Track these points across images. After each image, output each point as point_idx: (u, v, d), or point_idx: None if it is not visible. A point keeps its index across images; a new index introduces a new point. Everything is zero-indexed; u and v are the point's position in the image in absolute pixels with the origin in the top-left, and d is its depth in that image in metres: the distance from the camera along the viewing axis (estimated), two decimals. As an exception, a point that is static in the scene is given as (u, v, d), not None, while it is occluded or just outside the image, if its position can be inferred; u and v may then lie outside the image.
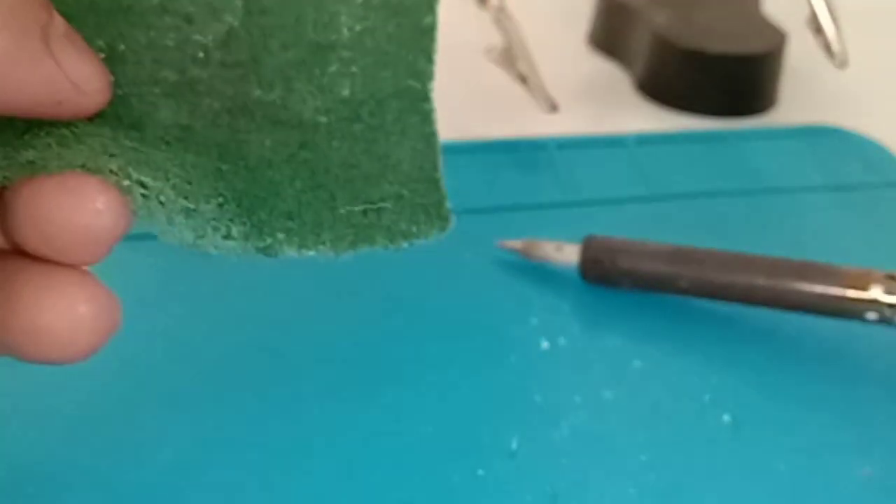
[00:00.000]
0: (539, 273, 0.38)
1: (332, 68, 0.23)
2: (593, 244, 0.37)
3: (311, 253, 0.24)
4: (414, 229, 0.24)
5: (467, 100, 0.50)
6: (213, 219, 0.23)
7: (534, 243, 0.38)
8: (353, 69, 0.23)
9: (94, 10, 0.22)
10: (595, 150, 0.46)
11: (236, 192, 0.23)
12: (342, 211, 0.24)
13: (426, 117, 0.23)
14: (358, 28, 0.22)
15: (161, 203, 0.22)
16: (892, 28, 0.60)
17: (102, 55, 0.22)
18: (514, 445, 0.31)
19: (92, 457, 0.30)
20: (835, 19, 0.46)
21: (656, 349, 0.35)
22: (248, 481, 0.29)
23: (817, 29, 0.46)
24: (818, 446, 0.31)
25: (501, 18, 0.45)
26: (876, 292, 0.33)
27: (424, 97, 0.23)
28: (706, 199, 0.43)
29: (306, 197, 0.24)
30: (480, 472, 0.30)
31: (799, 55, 0.52)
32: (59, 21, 0.20)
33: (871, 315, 0.34)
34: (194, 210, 0.22)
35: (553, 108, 0.45)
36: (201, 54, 0.22)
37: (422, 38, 0.23)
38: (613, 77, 0.54)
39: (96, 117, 0.22)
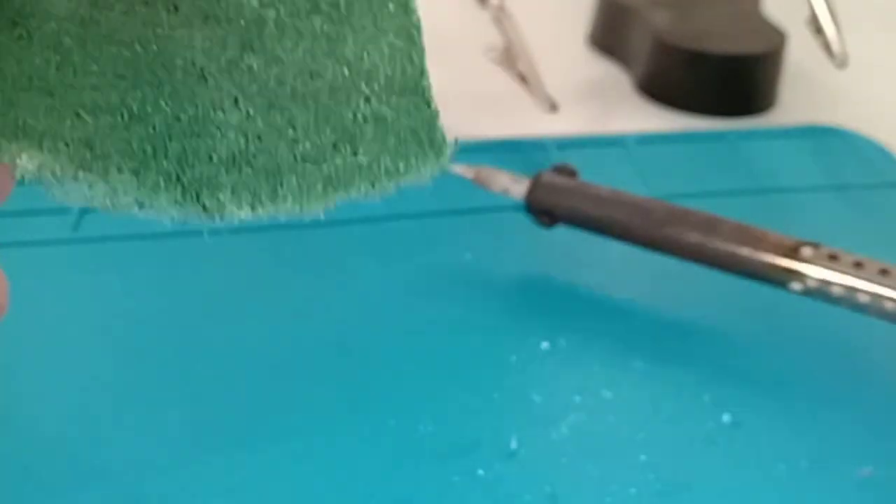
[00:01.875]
0: (539, 272, 0.38)
1: None
2: (540, 181, 0.38)
3: (269, 212, 0.19)
4: (401, 165, 0.19)
5: (467, 100, 0.50)
6: (128, 187, 0.18)
7: (489, 171, 0.38)
8: None
9: None
10: (595, 149, 0.46)
11: (157, 141, 0.18)
12: (305, 145, 0.18)
13: (405, 3, 0.18)
14: None
15: (54, 175, 0.18)
16: (893, 28, 0.60)
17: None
18: (513, 445, 0.31)
19: (87, 454, 0.30)
20: (835, 19, 0.46)
21: (656, 349, 0.35)
22: (247, 480, 0.29)
23: (817, 29, 0.46)
24: (818, 446, 0.31)
25: (501, 18, 0.45)
26: (803, 265, 0.34)
27: None
28: (706, 199, 0.43)
29: (254, 127, 0.18)
30: (480, 472, 0.30)
31: (799, 55, 0.52)
32: None
33: (796, 286, 0.34)
34: (102, 182, 0.18)
35: (553, 108, 0.45)
36: None
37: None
38: (613, 77, 0.54)
39: None
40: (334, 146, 0.18)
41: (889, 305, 0.32)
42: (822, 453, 0.31)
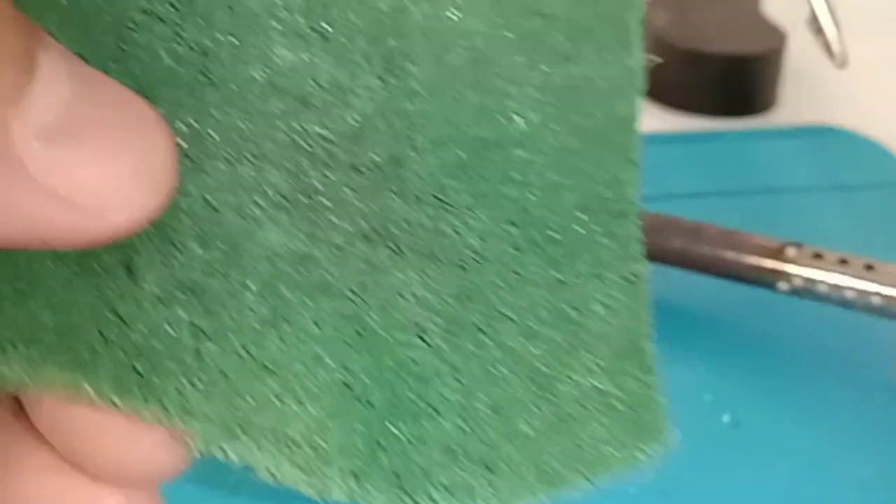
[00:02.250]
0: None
1: (502, 174, 0.15)
2: None
3: None
4: (618, 451, 0.17)
5: (467, 100, 0.50)
6: (344, 487, 0.15)
7: None
8: (531, 176, 0.15)
9: (173, 82, 0.14)
10: (595, 150, 0.46)
11: (376, 428, 0.15)
12: (523, 429, 0.16)
13: (625, 241, 0.16)
14: (535, 119, 0.15)
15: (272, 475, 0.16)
16: (892, 28, 0.60)
17: (184, 145, 0.14)
18: (514, 445, 0.31)
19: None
20: (835, 19, 0.46)
21: (656, 349, 0.35)
22: (243, 478, 0.29)
23: (817, 29, 0.46)
24: (818, 446, 0.31)
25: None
26: (788, 265, 0.34)
27: (623, 214, 0.17)
28: (705, 199, 0.43)
29: (472, 408, 0.15)
30: (480, 472, 0.30)
31: (799, 55, 0.52)
32: (50, 88, 0.11)
33: (783, 286, 0.34)
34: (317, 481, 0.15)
35: (553, 108, 0.45)
36: (323, 153, 0.15)
37: (618, 131, 0.17)
38: (613, 77, 0.54)
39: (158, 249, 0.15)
40: (552, 429, 0.16)
41: (876, 300, 0.33)
42: (822, 453, 0.31)
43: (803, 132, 0.49)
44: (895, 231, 0.42)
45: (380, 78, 0.15)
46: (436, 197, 0.15)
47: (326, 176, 0.15)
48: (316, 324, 0.15)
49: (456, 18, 0.15)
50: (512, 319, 0.16)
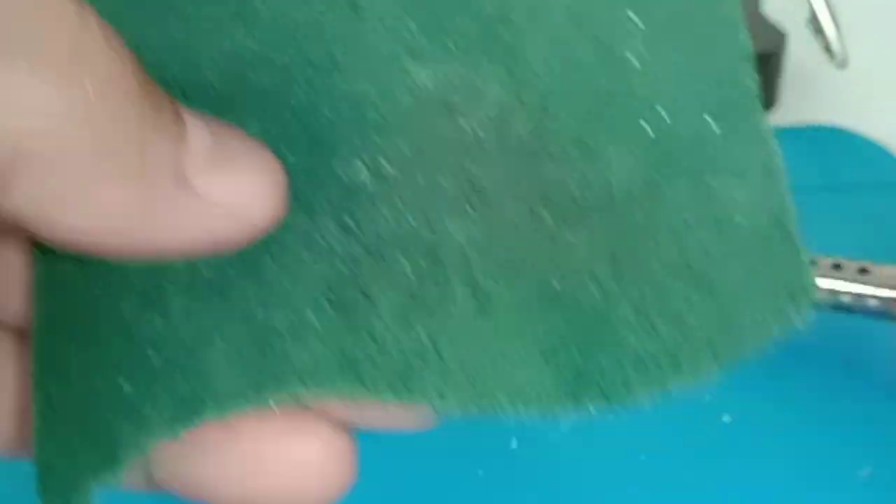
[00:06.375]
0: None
1: (633, 111, 0.17)
2: None
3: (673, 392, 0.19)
4: (761, 318, 0.19)
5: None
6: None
7: None
8: (657, 104, 0.17)
9: (349, 134, 0.17)
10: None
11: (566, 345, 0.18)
12: (693, 321, 0.18)
13: (762, 138, 0.18)
14: (646, 53, 0.17)
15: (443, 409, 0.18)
16: (892, 28, 0.60)
17: (365, 182, 0.17)
18: (514, 445, 0.31)
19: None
20: (835, 19, 0.46)
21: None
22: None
23: (817, 29, 0.46)
24: (818, 446, 0.31)
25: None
26: None
27: (750, 109, 0.18)
28: (706, 199, 0.43)
29: (649, 310, 0.18)
30: (480, 472, 0.30)
31: (799, 55, 0.52)
32: (198, 138, 0.16)
33: None
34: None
35: (553, 108, 0.45)
36: (475, 145, 0.17)
37: (724, 36, 0.18)
38: (613, 77, 0.54)
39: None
40: (717, 313, 0.18)
41: (872, 303, 0.33)
42: (822, 453, 0.31)
43: (803, 132, 0.49)
44: (895, 231, 0.42)
45: (502, 64, 0.17)
46: (581, 150, 0.17)
47: (482, 166, 0.17)
48: (514, 302, 0.17)
49: None
50: (667, 239, 0.17)
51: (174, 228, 0.15)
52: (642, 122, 0.17)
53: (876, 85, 0.54)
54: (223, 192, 0.16)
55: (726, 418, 0.32)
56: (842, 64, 0.46)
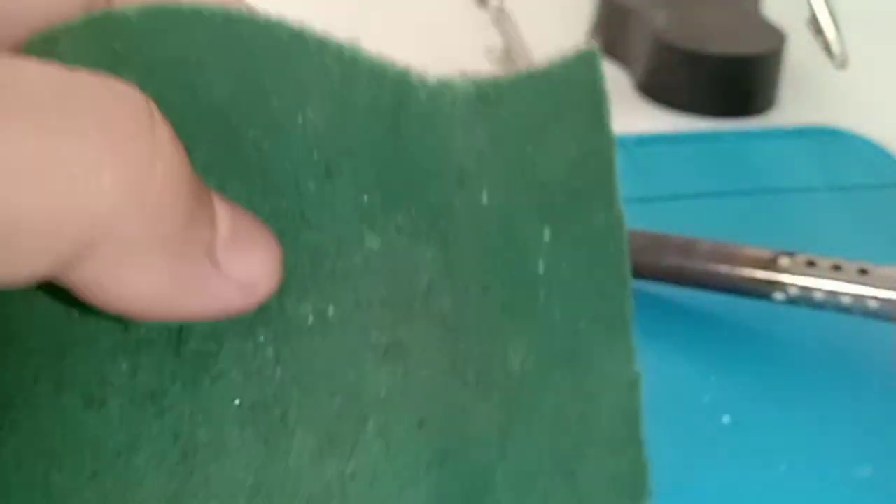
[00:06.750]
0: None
1: (533, 305, 0.20)
2: None
3: None
4: None
5: (467, 100, 0.50)
6: None
7: None
8: (552, 302, 0.20)
9: (298, 274, 0.20)
10: (595, 150, 0.46)
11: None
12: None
13: (630, 351, 0.22)
14: (550, 262, 0.20)
15: None
16: (892, 29, 0.61)
17: (310, 321, 0.20)
18: (514, 445, 0.31)
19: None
20: (835, 19, 0.46)
21: (656, 349, 0.35)
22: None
23: (817, 29, 0.46)
24: (818, 446, 0.31)
25: (501, 18, 0.45)
26: (782, 275, 0.34)
27: (623, 323, 0.21)
28: (706, 199, 0.43)
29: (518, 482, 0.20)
30: (480, 472, 0.30)
31: (799, 55, 0.52)
32: (223, 223, 0.18)
33: (779, 296, 0.34)
34: None
35: (553, 108, 0.45)
36: (406, 309, 0.20)
37: (612, 262, 0.21)
38: (613, 77, 0.54)
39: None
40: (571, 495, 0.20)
41: (872, 304, 0.33)
42: (822, 453, 0.31)
43: (803, 132, 0.49)
44: (895, 231, 0.42)
45: (439, 248, 0.20)
46: (491, 332, 0.20)
47: (411, 329, 0.20)
48: (416, 451, 0.20)
49: (486, 200, 0.20)
50: (542, 420, 0.20)
51: (203, 300, 0.18)
52: (540, 317, 0.20)
53: (876, 85, 0.54)
54: (240, 269, 0.18)
55: (726, 418, 0.32)
56: (842, 64, 0.46)
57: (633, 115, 0.50)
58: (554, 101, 0.22)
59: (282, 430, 0.19)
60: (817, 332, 0.36)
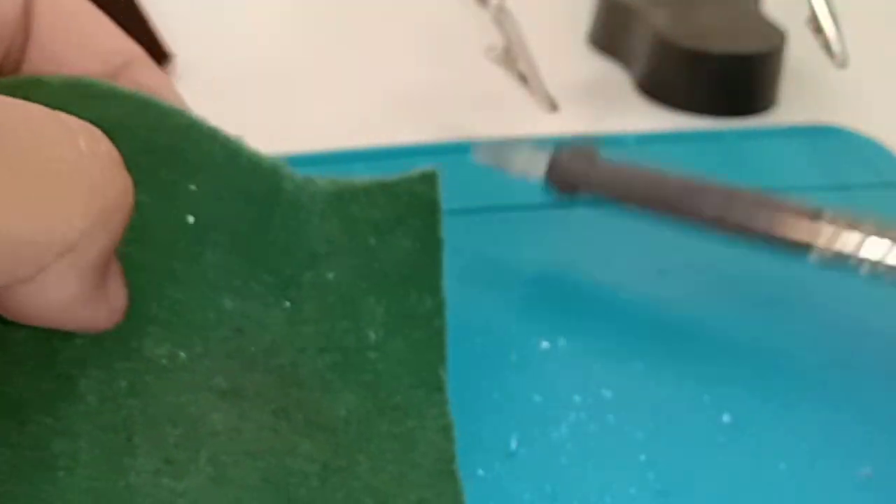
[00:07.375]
0: (539, 273, 0.38)
1: (362, 367, 0.25)
2: (563, 153, 0.38)
3: None
4: None
5: (467, 100, 0.50)
6: None
7: (506, 147, 0.38)
8: (380, 367, 0.25)
9: (160, 321, 0.23)
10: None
11: None
12: None
13: (442, 402, 0.26)
14: (381, 333, 0.25)
15: None
16: (892, 28, 0.61)
17: (164, 362, 0.23)
18: (513, 445, 0.31)
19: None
20: (835, 19, 0.46)
21: (656, 349, 0.35)
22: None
23: (817, 29, 0.46)
24: (818, 446, 0.31)
25: (501, 18, 0.45)
26: (821, 238, 0.33)
27: (439, 389, 0.26)
28: (706, 198, 0.43)
29: None
30: (480, 472, 0.30)
31: (799, 55, 0.52)
32: (114, 259, 0.22)
33: (816, 254, 0.33)
34: None
35: (553, 108, 0.45)
36: (249, 361, 0.24)
37: (434, 343, 0.26)
38: (613, 77, 0.54)
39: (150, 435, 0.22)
40: None
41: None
42: (822, 453, 0.31)
43: (803, 132, 0.49)
44: (895, 231, 0.42)
45: (285, 314, 0.25)
46: (322, 388, 0.24)
47: (251, 377, 0.23)
48: (243, 480, 0.22)
49: (331, 278, 0.25)
50: (365, 457, 0.24)
51: (82, 317, 0.21)
52: (368, 375, 0.25)
53: (876, 85, 0.54)
54: (116, 298, 0.22)
55: (726, 418, 0.32)
56: (842, 64, 0.46)
57: (632, 114, 0.50)
58: (398, 206, 0.25)
59: (127, 450, 0.22)
60: (817, 332, 0.36)
